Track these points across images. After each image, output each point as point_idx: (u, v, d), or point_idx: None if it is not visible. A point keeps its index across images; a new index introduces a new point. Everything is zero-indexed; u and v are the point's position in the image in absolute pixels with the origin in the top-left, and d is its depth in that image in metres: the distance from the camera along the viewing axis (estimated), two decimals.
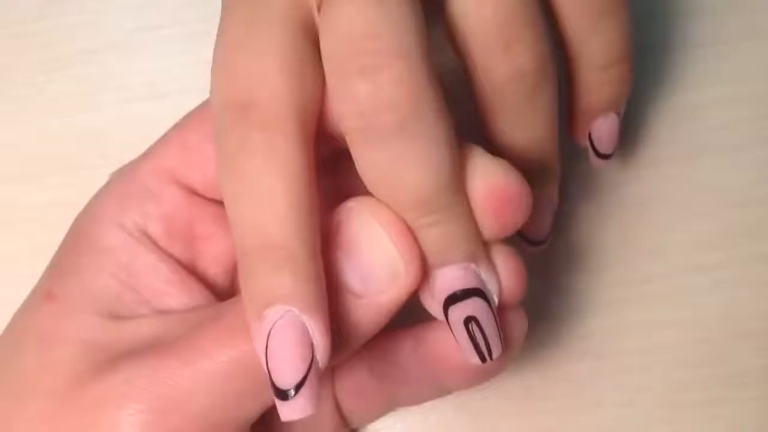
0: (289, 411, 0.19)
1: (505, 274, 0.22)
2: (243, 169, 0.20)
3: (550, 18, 0.25)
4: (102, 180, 0.25)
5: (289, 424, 0.20)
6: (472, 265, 0.21)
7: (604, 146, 0.27)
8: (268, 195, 0.20)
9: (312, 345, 0.19)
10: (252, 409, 0.21)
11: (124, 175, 0.24)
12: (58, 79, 0.32)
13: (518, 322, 0.23)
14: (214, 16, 0.22)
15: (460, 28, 0.21)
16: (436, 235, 0.21)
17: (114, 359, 0.21)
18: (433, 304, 0.22)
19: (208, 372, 0.20)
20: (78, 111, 0.32)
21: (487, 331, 0.21)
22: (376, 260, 0.21)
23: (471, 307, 0.21)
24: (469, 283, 0.21)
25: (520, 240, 0.26)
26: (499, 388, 0.29)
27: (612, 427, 0.30)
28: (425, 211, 0.20)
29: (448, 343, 0.22)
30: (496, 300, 0.22)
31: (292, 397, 0.19)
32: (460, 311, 0.21)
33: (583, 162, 0.28)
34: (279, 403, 0.19)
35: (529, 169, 0.22)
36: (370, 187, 0.21)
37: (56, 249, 0.24)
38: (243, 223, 0.20)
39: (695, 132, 0.31)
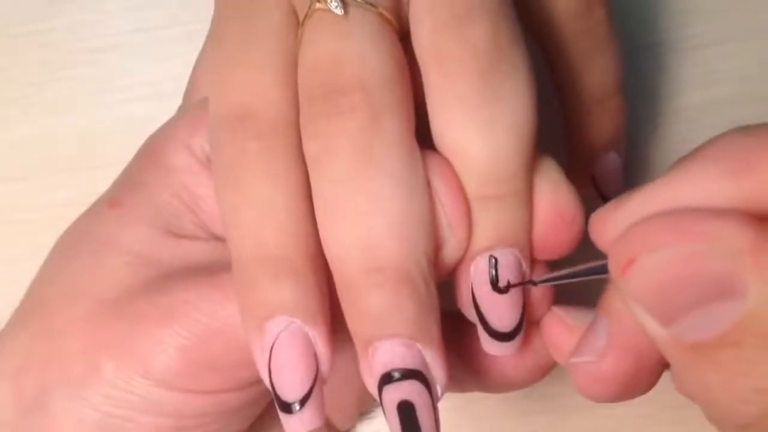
0: (296, 425, 0.19)
1: None
2: (241, 179, 0.20)
3: (544, 57, 0.25)
4: (102, 180, 0.25)
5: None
6: (418, 345, 0.19)
7: (608, 187, 0.27)
8: (267, 205, 0.19)
9: (316, 356, 0.19)
10: None
11: (201, 102, 0.24)
12: (58, 79, 0.32)
13: None
14: None
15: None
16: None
17: (164, 278, 0.21)
18: (369, 380, 0.19)
19: None
20: (78, 111, 0.32)
21: (423, 424, 0.19)
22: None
23: (407, 390, 0.18)
24: (409, 364, 0.18)
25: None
26: None
27: (611, 427, 0.30)
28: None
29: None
30: (439, 392, 0.19)
31: (297, 411, 0.19)
32: (394, 393, 0.19)
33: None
34: (284, 417, 0.19)
35: None
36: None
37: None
38: (241, 233, 0.20)
39: (697, 132, 0.31)
